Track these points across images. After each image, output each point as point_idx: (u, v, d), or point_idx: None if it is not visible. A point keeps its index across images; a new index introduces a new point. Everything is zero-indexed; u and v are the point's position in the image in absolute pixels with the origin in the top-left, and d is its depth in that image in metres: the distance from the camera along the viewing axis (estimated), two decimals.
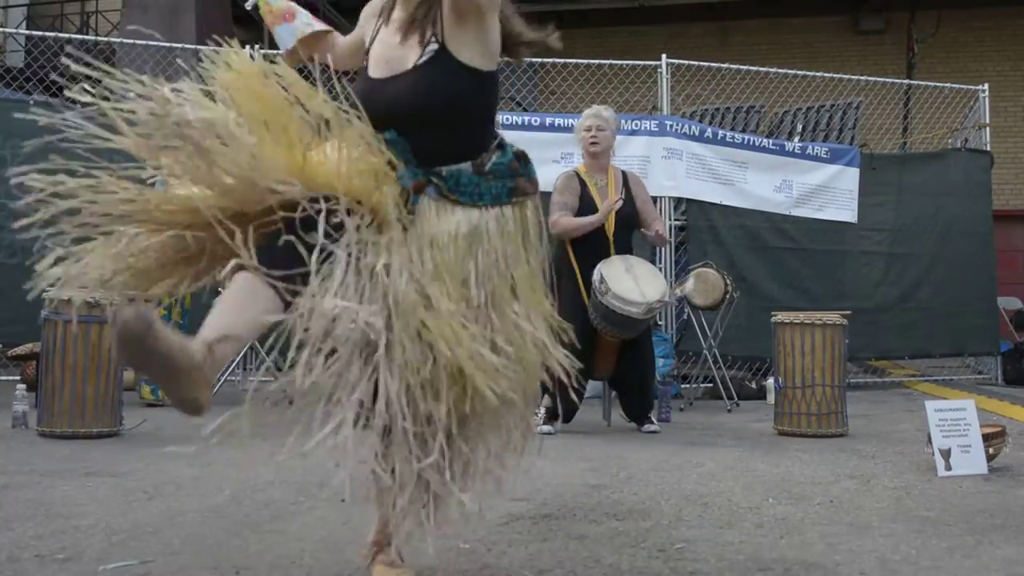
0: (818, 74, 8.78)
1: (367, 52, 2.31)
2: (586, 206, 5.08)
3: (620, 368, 5.16)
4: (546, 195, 5.25)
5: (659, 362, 6.74)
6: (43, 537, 2.58)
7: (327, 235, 1.83)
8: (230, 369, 6.73)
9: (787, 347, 5.12)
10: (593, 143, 5.15)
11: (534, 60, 8.88)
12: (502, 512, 2.99)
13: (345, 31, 2.57)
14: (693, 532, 2.77)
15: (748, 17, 14.62)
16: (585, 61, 8.58)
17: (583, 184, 5.14)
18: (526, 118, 7.93)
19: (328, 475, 3.36)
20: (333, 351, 1.85)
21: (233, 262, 1.85)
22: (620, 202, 5.01)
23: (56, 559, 2.37)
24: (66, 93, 1.87)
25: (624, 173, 5.31)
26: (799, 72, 8.71)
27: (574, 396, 2.16)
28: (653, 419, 5.22)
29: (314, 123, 1.98)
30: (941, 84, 9.16)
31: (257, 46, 7.95)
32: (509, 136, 8.21)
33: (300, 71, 2.11)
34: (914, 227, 8.35)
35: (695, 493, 3.38)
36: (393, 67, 2.19)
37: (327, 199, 1.87)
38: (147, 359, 1.71)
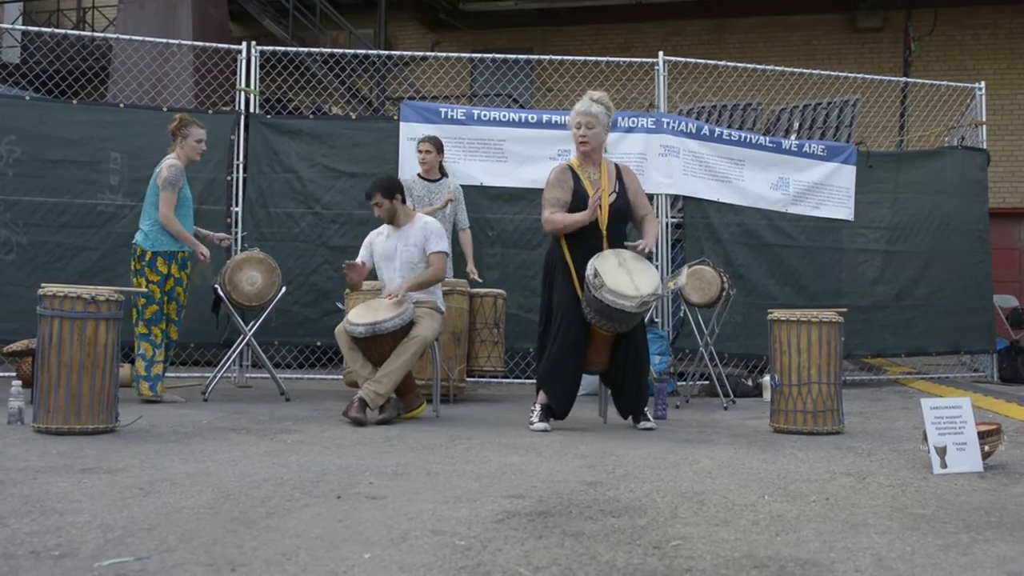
0: (815, 72, 8.78)
1: None
2: (579, 200, 5.06)
3: (614, 364, 5.16)
4: (542, 191, 5.28)
5: (655, 359, 6.75)
6: (38, 533, 2.57)
7: None
8: (226, 366, 6.73)
9: (783, 344, 5.13)
10: (583, 143, 5.13)
11: (531, 57, 8.89)
12: (498, 509, 2.99)
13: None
14: (689, 529, 2.78)
15: (745, 14, 14.63)
16: (582, 58, 8.59)
17: (576, 178, 5.12)
18: (523, 115, 7.93)
19: (324, 472, 3.36)
20: None
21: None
22: (600, 195, 4.98)
23: (51, 555, 2.37)
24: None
25: (617, 165, 5.29)
26: (796, 70, 8.71)
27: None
28: (649, 416, 5.22)
29: None
30: (938, 82, 9.17)
31: (254, 43, 7.94)
32: (506, 133, 8.27)
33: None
34: (910, 225, 8.36)
35: (691, 490, 3.38)
36: None
37: None
38: None
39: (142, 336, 5.88)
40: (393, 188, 5.69)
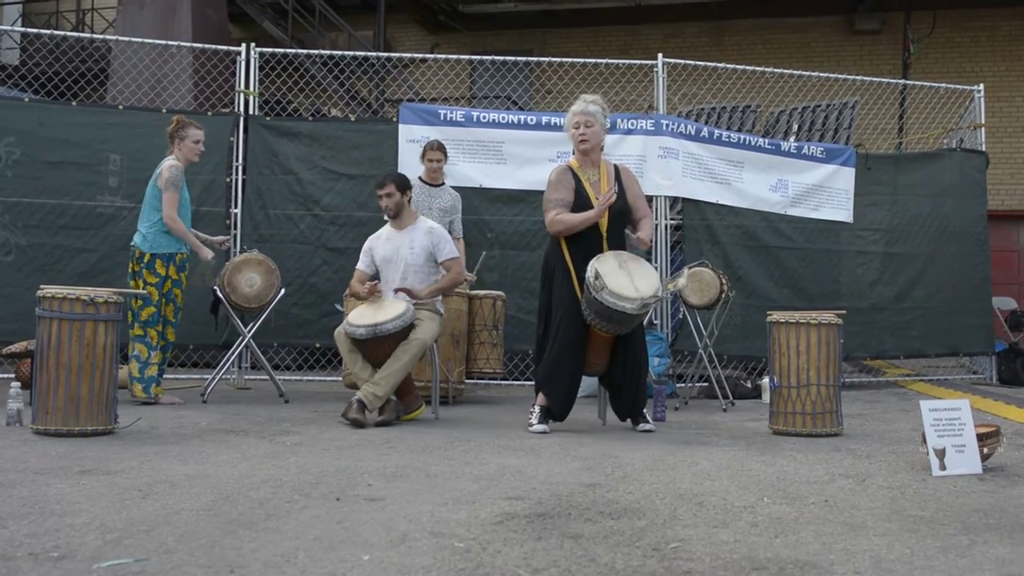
0: (814, 74, 8.79)
1: None
2: (580, 201, 5.07)
3: (613, 366, 5.15)
4: (541, 193, 5.29)
5: (655, 361, 6.75)
6: (37, 535, 2.57)
7: None
8: (225, 368, 6.72)
9: (782, 346, 5.13)
10: (583, 141, 5.13)
11: (530, 59, 8.89)
12: (497, 511, 2.99)
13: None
14: (688, 531, 2.78)
15: (744, 16, 14.64)
16: (581, 60, 8.60)
17: (577, 179, 5.13)
18: (522, 117, 7.93)
19: (323, 474, 3.36)
20: None
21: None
22: (615, 194, 5.00)
23: (50, 557, 2.37)
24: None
25: (616, 167, 5.30)
26: (795, 72, 8.71)
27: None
28: (648, 418, 5.22)
29: None
30: (936, 84, 9.17)
31: (253, 45, 7.95)
32: (505, 135, 8.28)
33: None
34: (909, 227, 8.37)
35: (690, 492, 3.38)
36: None
37: None
38: None
39: (137, 338, 5.87)
40: (406, 184, 5.78)
